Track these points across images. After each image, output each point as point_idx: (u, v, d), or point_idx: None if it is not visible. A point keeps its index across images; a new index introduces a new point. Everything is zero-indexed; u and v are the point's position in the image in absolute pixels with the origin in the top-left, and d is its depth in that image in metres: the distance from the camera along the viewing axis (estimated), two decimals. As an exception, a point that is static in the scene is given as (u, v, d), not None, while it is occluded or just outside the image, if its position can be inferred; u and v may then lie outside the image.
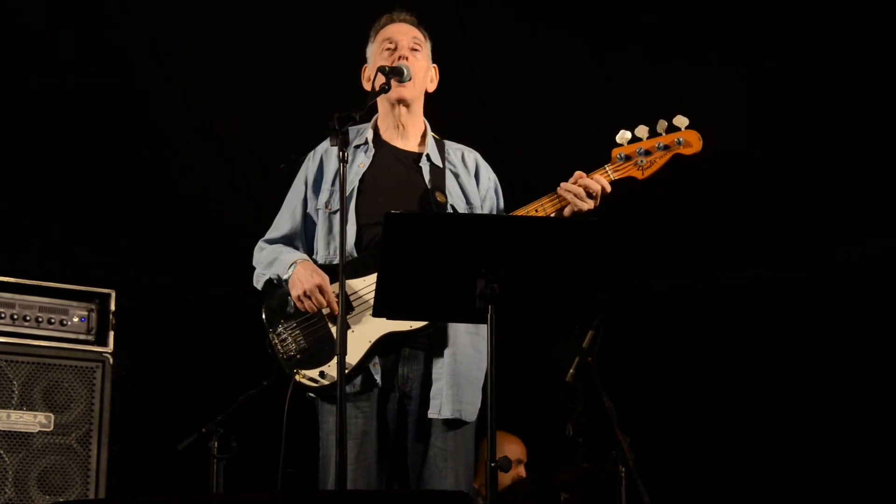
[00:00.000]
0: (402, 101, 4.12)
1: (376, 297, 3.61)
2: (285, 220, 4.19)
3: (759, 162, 6.40)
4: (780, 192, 6.47)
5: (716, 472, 6.69)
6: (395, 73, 4.00)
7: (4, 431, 4.68)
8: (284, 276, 4.00)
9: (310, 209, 4.15)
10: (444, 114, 4.31)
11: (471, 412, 3.99)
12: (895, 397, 6.56)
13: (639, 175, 3.98)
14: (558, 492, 5.20)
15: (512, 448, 5.97)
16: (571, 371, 5.17)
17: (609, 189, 3.95)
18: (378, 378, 3.93)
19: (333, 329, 3.92)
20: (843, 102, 6.20)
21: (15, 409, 4.72)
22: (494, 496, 3.46)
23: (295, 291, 3.93)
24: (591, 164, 4.00)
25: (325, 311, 3.94)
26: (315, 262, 4.04)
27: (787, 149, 6.37)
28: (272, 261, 4.08)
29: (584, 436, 5.13)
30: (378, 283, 3.59)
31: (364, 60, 4.29)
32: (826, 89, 6.21)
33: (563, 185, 3.93)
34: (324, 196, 4.10)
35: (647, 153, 3.96)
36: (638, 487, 4.80)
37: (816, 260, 6.55)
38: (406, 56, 4.10)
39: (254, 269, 4.18)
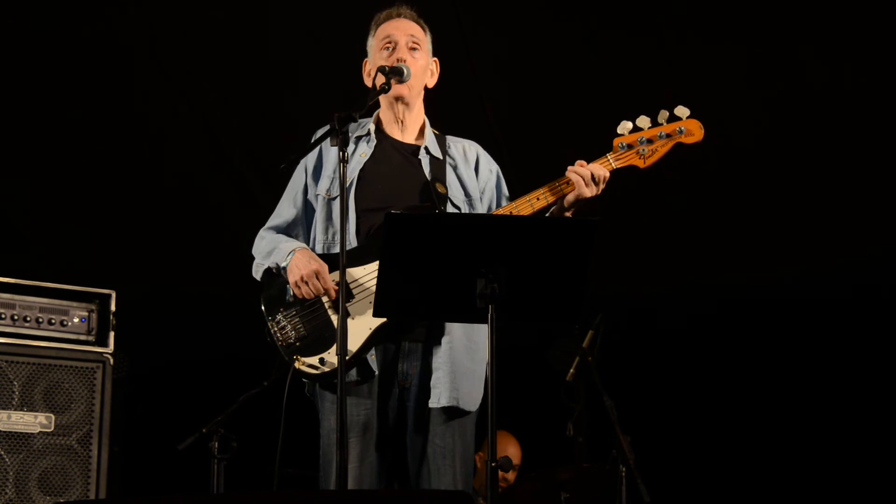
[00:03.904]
0: (400, 99, 4.15)
1: (377, 298, 3.63)
2: (286, 207, 4.21)
3: (761, 160, 6.39)
4: (783, 191, 6.47)
5: (716, 471, 6.70)
6: (394, 74, 4.03)
7: (5, 432, 4.68)
8: (283, 264, 4.01)
9: (310, 196, 4.17)
10: (442, 110, 4.32)
11: (468, 402, 3.98)
12: (895, 397, 6.57)
13: (640, 164, 3.99)
14: (559, 491, 5.22)
15: (509, 451, 6.01)
16: (572, 370, 5.19)
17: (608, 176, 3.96)
18: (374, 367, 3.94)
19: (333, 316, 3.93)
20: (845, 101, 6.20)
21: (15, 409, 4.72)
22: (495, 496, 3.46)
23: (292, 277, 3.95)
24: (590, 159, 4.00)
25: (324, 298, 3.96)
26: (314, 249, 4.07)
27: (789, 147, 6.36)
28: (271, 250, 4.10)
29: (584, 435, 5.15)
30: (378, 283, 3.60)
31: (364, 54, 4.30)
32: (827, 87, 6.20)
33: (570, 168, 3.95)
34: (324, 183, 4.12)
35: (649, 142, 3.98)
36: (638, 486, 4.81)
37: (818, 260, 6.54)
38: (404, 58, 4.12)
39: (253, 259, 4.18)
